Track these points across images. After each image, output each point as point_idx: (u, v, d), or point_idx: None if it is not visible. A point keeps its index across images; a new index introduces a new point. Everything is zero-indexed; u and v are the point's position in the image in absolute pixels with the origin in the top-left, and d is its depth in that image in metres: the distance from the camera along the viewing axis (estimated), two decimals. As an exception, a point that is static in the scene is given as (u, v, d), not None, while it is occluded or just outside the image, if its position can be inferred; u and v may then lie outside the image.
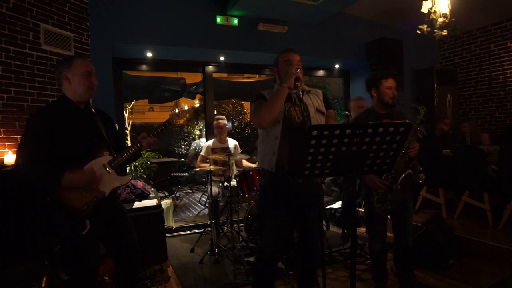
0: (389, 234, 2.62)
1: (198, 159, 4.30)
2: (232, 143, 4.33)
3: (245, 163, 4.35)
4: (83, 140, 1.84)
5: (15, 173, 2.12)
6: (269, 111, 1.99)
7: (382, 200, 2.36)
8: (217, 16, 4.44)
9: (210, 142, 4.34)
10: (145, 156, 5.34)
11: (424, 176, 2.24)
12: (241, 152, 4.18)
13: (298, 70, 2.01)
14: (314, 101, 2.14)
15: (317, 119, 2.10)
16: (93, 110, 1.99)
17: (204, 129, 5.83)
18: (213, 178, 3.98)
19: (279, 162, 2.05)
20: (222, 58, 4.98)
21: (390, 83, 2.43)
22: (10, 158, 2.78)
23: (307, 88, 2.18)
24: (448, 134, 4.95)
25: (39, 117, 1.78)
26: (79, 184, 1.75)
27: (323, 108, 2.16)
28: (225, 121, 4.29)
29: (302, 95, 2.02)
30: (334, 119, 2.24)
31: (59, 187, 1.72)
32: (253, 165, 4.21)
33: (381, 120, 2.40)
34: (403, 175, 2.28)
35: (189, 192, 7.62)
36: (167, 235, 3.77)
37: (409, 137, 2.26)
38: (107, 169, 1.88)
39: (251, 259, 3.19)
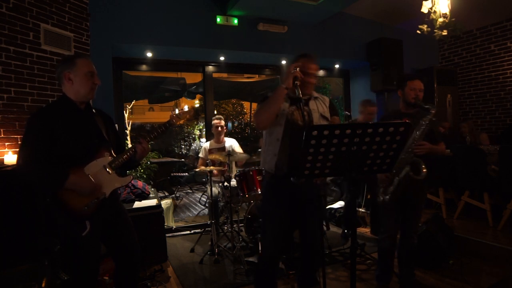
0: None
1: (199, 163, 4.28)
2: (229, 142, 4.27)
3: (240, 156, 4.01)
4: (83, 140, 1.83)
5: (15, 173, 2.11)
6: (265, 112, 2.01)
7: (384, 192, 2.44)
8: (217, 16, 4.44)
9: (207, 143, 4.33)
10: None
11: (425, 173, 2.25)
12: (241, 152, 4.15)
13: (297, 69, 2.02)
14: (319, 107, 2.17)
15: None
16: (93, 110, 1.99)
17: (204, 129, 5.83)
18: (213, 178, 3.97)
19: (279, 164, 2.06)
20: (222, 58, 4.98)
21: (415, 84, 2.48)
22: (10, 158, 2.77)
23: (315, 94, 2.21)
24: (445, 135, 4.94)
25: (39, 117, 1.78)
26: (82, 189, 1.75)
27: (328, 115, 2.19)
28: (222, 121, 4.24)
29: (309, 100, 2.04)
30: None
31: (60, 188, 1.72)
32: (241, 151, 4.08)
33: (401, 119, 2.44)
34: (403, 170, 2.33)
35: (189, 192, 7.62)
36: (167, 235, 3.77)
37: (419, 135, 2.33)
38: (108, 170, 1.87)
39: (251, 259, 3.20)
